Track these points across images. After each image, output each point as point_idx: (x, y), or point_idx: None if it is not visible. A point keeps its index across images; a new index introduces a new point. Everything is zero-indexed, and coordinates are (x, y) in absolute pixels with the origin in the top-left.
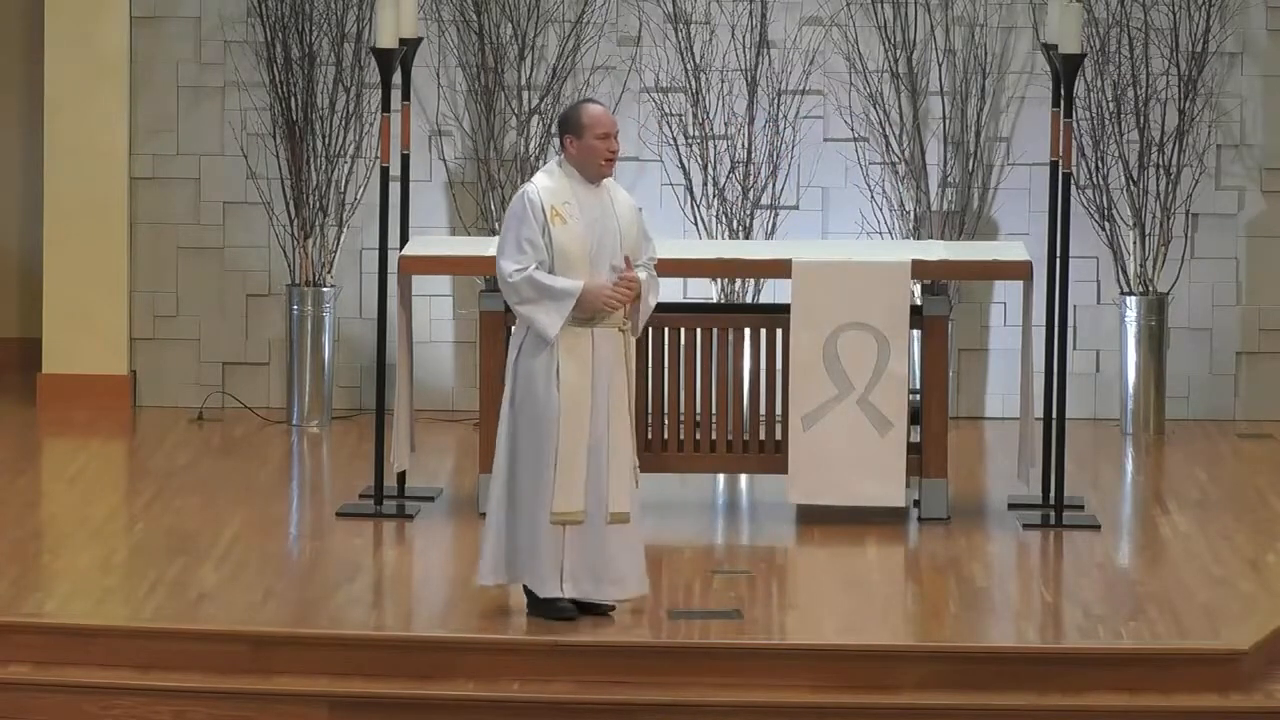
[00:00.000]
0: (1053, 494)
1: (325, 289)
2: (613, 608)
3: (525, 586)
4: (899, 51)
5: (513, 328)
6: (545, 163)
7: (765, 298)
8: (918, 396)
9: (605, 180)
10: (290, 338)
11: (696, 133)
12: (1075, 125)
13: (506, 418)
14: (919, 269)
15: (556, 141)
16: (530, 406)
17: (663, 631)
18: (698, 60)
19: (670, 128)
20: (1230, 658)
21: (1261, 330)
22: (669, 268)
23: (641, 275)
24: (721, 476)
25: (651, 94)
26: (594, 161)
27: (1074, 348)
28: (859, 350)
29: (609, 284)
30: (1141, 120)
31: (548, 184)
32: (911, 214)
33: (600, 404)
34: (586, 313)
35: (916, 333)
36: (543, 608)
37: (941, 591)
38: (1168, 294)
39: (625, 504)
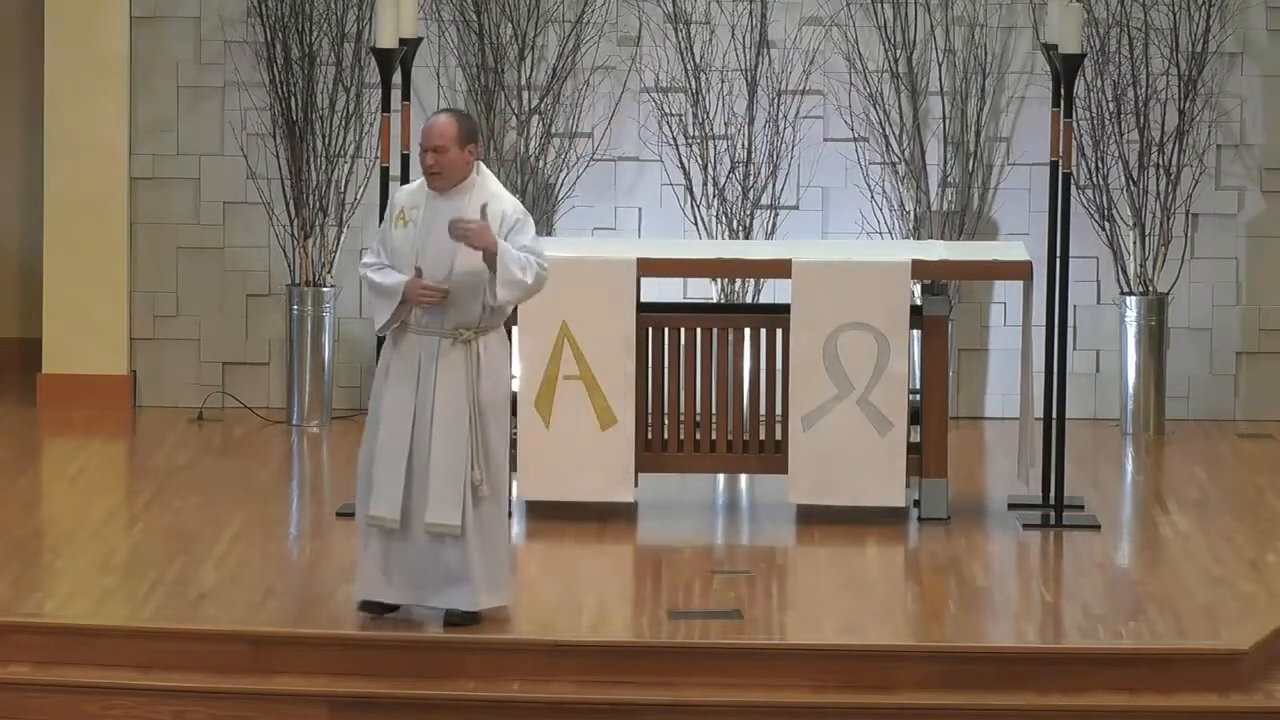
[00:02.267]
0: (1053, 494)
1: (325, 289)
2: (463, 616)
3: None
4: (899, 51)
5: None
6: (545, 163)
7: (765, 298)
8: (918, 396)
9: (478, 190)
10: (290, 338)
11: (696, 133)
12: (1075, 125)
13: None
14: (919, 269)
15: (557, 142)
16: (371, 407)
17: (663, 631)
18: (698, 60)
19: (670, 128)
20: (1230, 658)
21: (1261, 330)
22: (669, 268)
23: (510, 249)
24: (721, 476)
25: (651, 94)
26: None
27: (1074, 348)
28: (859, 350)
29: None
30: (1141, 120)
31: (412, 187)
32: (911, 214)
33: (424, 411)
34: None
35: (916, 333)
36: (362, 604)
37: (941, 591)
38: (1168, 294)
39: (448, 516)
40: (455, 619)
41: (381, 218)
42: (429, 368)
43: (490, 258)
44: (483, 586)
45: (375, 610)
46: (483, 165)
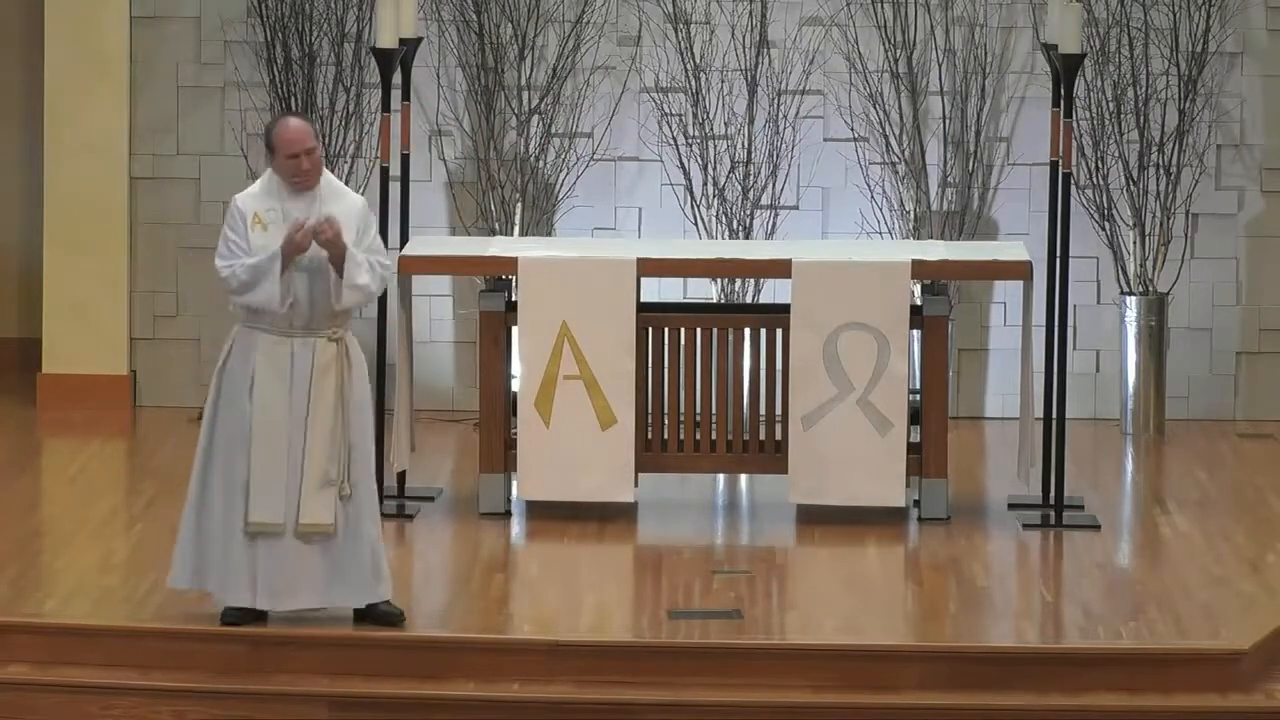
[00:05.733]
0: (1053, 494)
1: None
2: (387, 613)
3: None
4: (899, 51)
5: (231, 334)
6: (545, 163)
7: (765, 298)
8: (918, 396)
9: (325, 187)
10: None
11: (696, 133)
12: (1075, 125)
13: (206, 424)
14: (919, 269)
15: (557, 142)
16: (229, 415)
17: (663, 631)
18: (698, 60)
19: (670, 128)
20: (1230, 658)
21: (1261, 330)
22: (669, 268)
23: (356, 254)
24: (721, 476)
25: (651, 94)
26: (287, 180)
27: (1074, 348)
28: (859, 350)
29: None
30: (1141, 120)
31: (255, 192)
32: (911, 214)
33: (298, 415)
34: (293, 261)
35: (916, 333)
36: (227, 613)
37: (941, 591)
38: (1168, 294)
39: (321, 515)
40: (393, 620)
41: (383, 217)
42: (303, 369)
43: (339, 261)
44: (370, 581)
45: (239, 618)
46: None
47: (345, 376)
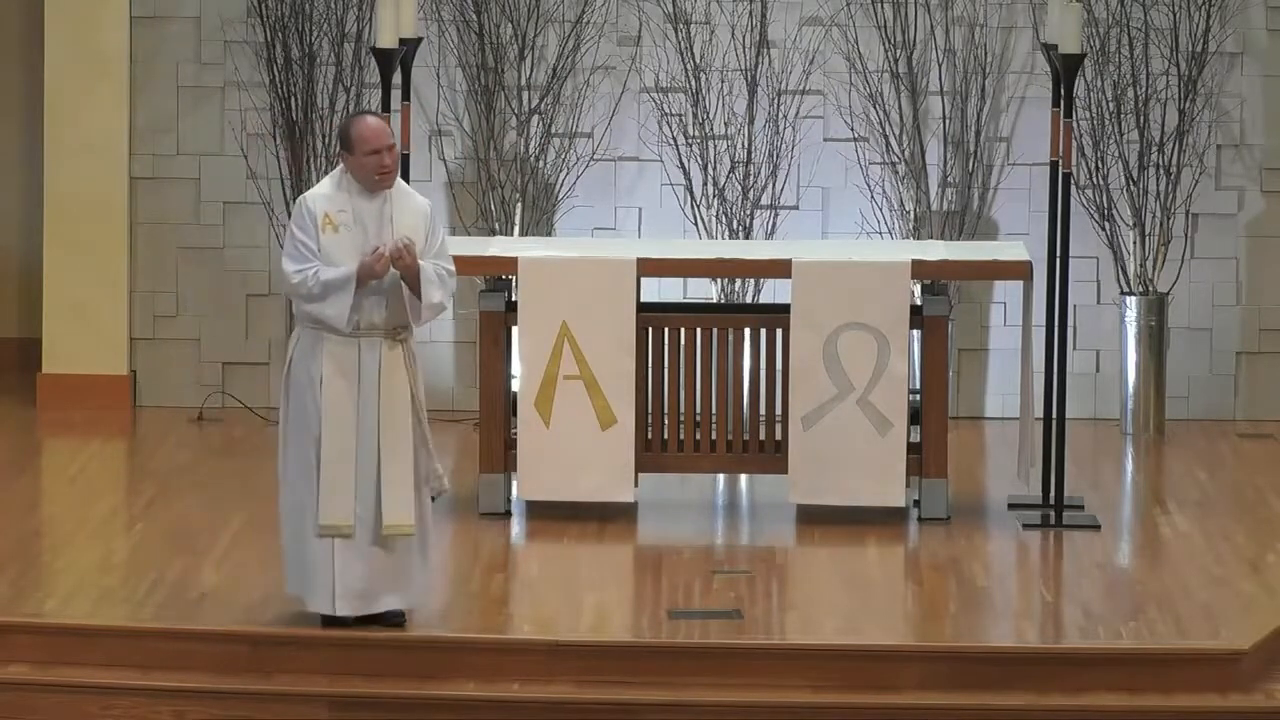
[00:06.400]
0: (1053, 494)
1: None
2: (401, 615)
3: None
4: (899, 51)
5: (292, 337)
6: (545, 163)
7: (765, 298)
8: (918, 396)
9: (394, 189)
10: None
11: (696, 133)
12: (1075, 125)
13: (281, 428)
14: (919, 269)
15: (557, 142)
16: (298, 416)
17: (663, 631)
18: (698, 60)
19: (670, 128)
20: (1230, 658)
21: (1261, 330)
22: (669, 268)
23: (429, 270)
24: (721, 476)
25: (651, 94)
26: (367, 177)
27: (1074, 348)
28: (859, 350)
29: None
30: (1141, 120)
31: (326, 192)
32: (911, 214)
33: (368, 414)
34: (367, 285)
35: (916, 333)
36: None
37: (941, 591)
38: (1168, 294)
39: (404, 518)
40: (398, 619)
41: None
42: (371, 370)
43: (413, 279)
44: (422, 583)
45: (343, 622)
46: None
47: (413, 377)
